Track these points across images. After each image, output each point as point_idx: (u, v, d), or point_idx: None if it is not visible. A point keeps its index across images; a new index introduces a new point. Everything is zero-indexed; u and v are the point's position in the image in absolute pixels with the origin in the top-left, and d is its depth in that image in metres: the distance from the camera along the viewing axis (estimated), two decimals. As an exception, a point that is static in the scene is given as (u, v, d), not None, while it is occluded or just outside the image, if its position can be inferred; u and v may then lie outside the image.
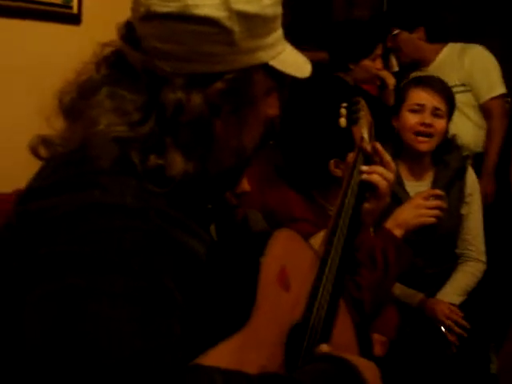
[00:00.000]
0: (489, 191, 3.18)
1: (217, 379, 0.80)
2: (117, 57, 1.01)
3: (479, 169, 3.12)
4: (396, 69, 3.31)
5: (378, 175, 1.33)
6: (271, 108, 1.06)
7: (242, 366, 0.88)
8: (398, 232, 1.96)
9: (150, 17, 0.95)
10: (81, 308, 0.78)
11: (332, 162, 1.84)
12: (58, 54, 2.22)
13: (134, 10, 0.98)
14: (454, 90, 3.14)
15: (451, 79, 3.18)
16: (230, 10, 0.94)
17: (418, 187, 2.37)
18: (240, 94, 0.99)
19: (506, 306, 3.28)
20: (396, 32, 3.29)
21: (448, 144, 2.40)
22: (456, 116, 2.50)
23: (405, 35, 3.29)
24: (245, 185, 1.73)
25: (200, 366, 0.83)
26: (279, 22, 1.03)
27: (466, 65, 3.19)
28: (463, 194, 2.43)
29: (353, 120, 1.38)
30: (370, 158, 1.37)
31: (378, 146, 1.41)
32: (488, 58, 3.23)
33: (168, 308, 0.84)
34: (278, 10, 1.02)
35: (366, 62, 2.98)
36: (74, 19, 2.38)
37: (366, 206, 1.32)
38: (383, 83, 3.21)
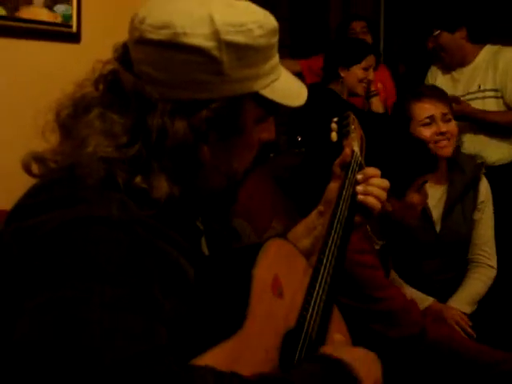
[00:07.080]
0: None
1: (209, 378, 0.81)
2: (114, 76, 1.02)
3: (497, 180, 3.09)
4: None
5: (374, 197, 1.26)
6: (265, 133, 1.07)
7: (235, 370, 0.88)
8: None
9: (143, 42, 0.97)
10: (72, 318, 0.80)
11: None
12: (59, 71, 2.26)
13: (130, 33, 1.00)
14: (487, 94, 3.11)
15: (485, 82, 3.13)
16: (219, 40, 0.94)
17: (434, 192, 2.36)
18: (227, 122, 0.99)
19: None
20: (437, 33, 3.23)
21: None
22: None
23: (447, 35, 3.22)
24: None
25: (193, 366, 0.84)
26: (274, 51, 1.03)
27: (500, 67, 3.13)
28: (476, 201, 2.42)
29: (343, 134, 1.38)
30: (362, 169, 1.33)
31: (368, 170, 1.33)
32: None
33: (154, 313, 0.85)
34: (273, 39, 1.01)
35: (356, 70, 2.97)
36: (74, 38, 2.44)
37: (357, 219, 1.28)
38: (369, 88, 3.18)
